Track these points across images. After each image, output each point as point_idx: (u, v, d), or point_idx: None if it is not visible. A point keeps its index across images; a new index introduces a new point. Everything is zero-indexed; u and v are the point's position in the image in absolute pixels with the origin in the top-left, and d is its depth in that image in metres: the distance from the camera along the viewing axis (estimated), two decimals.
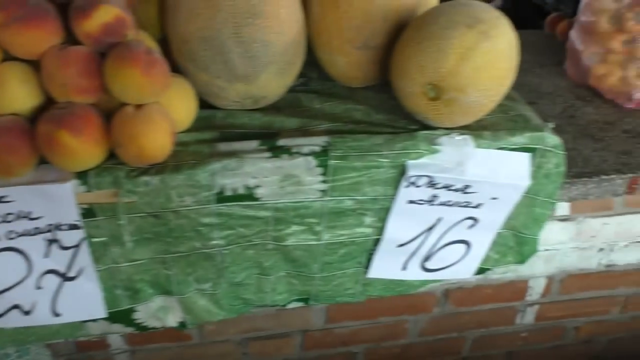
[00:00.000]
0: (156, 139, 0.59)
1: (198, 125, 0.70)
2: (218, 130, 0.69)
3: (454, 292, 1.05)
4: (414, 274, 0.80)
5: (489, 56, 0.61)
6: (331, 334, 1.08)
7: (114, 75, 0.58)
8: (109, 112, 0.62)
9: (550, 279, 1.09)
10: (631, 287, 1.14)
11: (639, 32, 0.99)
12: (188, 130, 0.69)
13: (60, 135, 0.57)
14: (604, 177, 0.89)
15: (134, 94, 0.59)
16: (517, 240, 0.81)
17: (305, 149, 0.65)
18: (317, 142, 0.66)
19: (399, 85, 0.67)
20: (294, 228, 0.70)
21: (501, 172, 0.68)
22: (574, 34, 1.11)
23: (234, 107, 0.72)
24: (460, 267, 0.80)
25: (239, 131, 0.69)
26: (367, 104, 0.76)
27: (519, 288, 1.09)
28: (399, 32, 0.69)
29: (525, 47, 1.33)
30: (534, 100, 1.12)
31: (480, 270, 0.83)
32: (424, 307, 1.07)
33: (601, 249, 1.06)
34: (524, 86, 1.18)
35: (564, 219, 1.00)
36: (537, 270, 1.06)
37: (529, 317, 1.15)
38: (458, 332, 1.14)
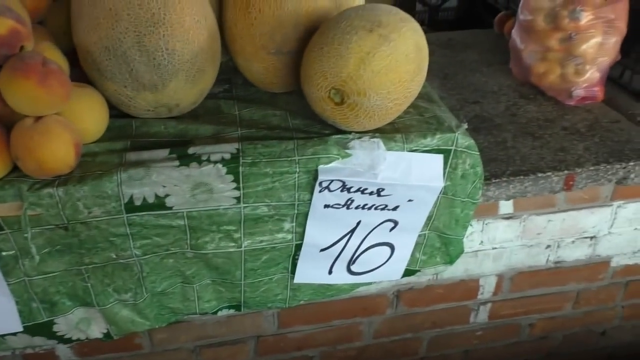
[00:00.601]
0: (55, 150, 0.59)
1: (111, 135, 0.70)
2: (131, 139, 0.69)
3: (405, 293, 1.05)
4: (341, 277, 0.80)
5: (389, 59, 0.61)
6: (285, 338, 1.08)
7: (9, 86, 0.57)
8: (13, 125, 0.61)
9: (501, 277, 1.09)
10: (582, 282, 1.14)
11: (574, 30, 0.99)
12: (100, 140, 0.68)
13: None
14: (540, 174, 0.89)
15: (31, 106, 0.59)
16: (443, 241, 0.81)
17: (215, 157, 0.65)
18: (227, 150, 0.66)
19: (307, 91, 0.67)
20: (212, 236, 0.70)
21: (413, 174, 0.68)
22: (515, 33, 1.11)
23: (149, 116, 0.72)
24: (387, 269, 0.80)
25: (152, 140, 0.69)
26: (287, 109, 0.76)
27: (470, 287, 1.09)
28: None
29: (474, 47, 1.36)
30: (478, 100, 1.12)
31: (409, 272, 0.83)
32: (377, 309, 1.07)
33: (548, 246, 1.06)
34: (470, 85, 1.18)
35: (508, 217, 1.00)
36: (486, 269, 1.06)
37: (482, 315, 1.15)
38: (413, 332, 1.14)
